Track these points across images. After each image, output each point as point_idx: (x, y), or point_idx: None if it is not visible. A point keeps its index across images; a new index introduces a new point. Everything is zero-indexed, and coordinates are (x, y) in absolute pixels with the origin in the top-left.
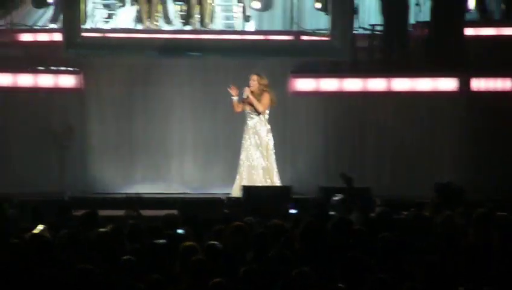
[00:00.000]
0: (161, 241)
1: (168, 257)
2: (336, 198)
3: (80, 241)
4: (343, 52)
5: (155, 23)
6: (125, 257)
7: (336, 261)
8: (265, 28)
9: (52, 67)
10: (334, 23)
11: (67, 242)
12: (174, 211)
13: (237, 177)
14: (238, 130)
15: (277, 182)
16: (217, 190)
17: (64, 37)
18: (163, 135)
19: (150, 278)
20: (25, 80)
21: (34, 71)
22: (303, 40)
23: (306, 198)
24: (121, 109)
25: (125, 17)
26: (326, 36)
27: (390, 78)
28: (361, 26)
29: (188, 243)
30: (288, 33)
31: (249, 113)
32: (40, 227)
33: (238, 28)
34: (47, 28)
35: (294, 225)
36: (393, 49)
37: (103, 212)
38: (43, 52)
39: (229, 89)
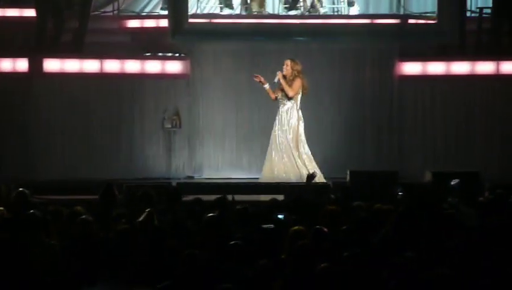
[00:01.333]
0: (269, 226)
1: (275, 241)
2: (453, 183)
3: (187, 227)
4: (451, 35)
5: (261, 9)
6: (232, 242)
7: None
8: (370, 11)
9: (159, 54)
10: (441, 5)
11: (175, 228)
12: (278, 196)
13: (265, 163)
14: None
15: (308, 167)
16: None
17: (171, 23)
18: (270, 121)
19: (258, 263)
20: (132, 66)
21: (141, 57)
22: (410, 23)
23: (414, 183)
24: (228, 94)
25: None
26: (434, 19)
27: (499, 62)
28: (469, 9)
29: (296, 228)
30: (395, 16)
31: (281, 100)
32: (147, 211)
33: (343, 12)
34: (154, 14)
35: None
36: (502, 32)
37: (210, 198)
38: (150, 38)
39: (254, 78)
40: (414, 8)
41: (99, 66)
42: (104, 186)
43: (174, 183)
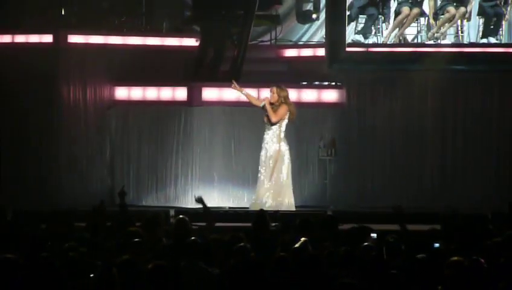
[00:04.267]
0: (421, 256)
1: (427, 272)
2: None
3: (342, 255)
4: None
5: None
6: (391, 272)
7: None
8: None
9: (316, 82)
10: None
11: (331, 256)
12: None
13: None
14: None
15: (286, 200)
16: None
17: (328, 52)
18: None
19: None
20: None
21: (298, 86)
22: None
23: None
24: (382, 124)
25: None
26: None
27: None
28: None
29: (455, 259)
30: None
31: (266, 124)
32: (302, 240)
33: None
34: (311, 43)
35: None
36: None
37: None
38: (306, 67)
39: (232, 87)
40: None
41: (257, 95)
42: (257, 214)
43: (329, 212)
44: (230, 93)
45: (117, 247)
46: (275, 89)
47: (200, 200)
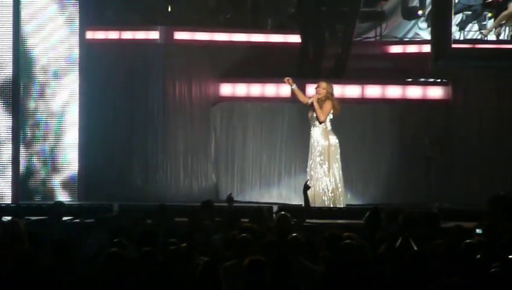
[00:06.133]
0: None
1: None
2: None
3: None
4: None
5: None
6: (493, 270)
7: None
8: None
9: (421, 79)
10: None
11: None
12: None
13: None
14: None
15: (338, 198)
16: None
17: (434, 48)
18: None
19: None
20: (393, 91)
21: (403, 83)
22: None
23: None
24: (488, 121)
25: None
26: None
27: None
28: None
29: None
30: None
31: (311, 121)
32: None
33: None
34: (416, 39)
35: None
36: None
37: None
38: (411, 63)
39: (285, 81)
40: None
41: (361, 92)
42: (371, 210)
43: (435, 209)
44: (334, 90)
45: (224, 242)
46: (324, 84)
47: (307, 188)
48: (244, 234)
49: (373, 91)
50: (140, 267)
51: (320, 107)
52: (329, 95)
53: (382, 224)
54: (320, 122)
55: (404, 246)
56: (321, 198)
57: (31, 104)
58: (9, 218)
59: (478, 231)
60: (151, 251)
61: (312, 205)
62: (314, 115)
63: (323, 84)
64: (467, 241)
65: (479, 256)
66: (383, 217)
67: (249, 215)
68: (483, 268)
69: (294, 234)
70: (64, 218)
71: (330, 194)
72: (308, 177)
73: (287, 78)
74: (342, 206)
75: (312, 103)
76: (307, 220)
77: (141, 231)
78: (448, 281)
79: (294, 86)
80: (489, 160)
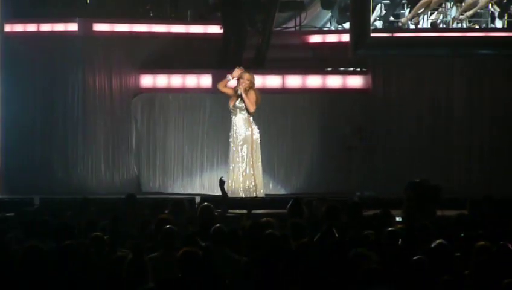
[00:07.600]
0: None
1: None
2: None
3: (369, 240)
4: None
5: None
6: (416, 257)
7: None
8: None
9: (341, 68)
10: None
11: (355, 241)
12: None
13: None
14: None
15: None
16: None
17: (353, 38)
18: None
19: (440, 278)
20: (313, 81)
21: (323, 72)
22: None
23: None
24: (409, 109)
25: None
26: None
27: None
28: None
29: (481, 243)
30: None
31: (233, 110)
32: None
33: None
34: (336, 29)
35: None
36: None
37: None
38: (331, 53)
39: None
40: None
41: (281, 82)
42: (292, 201)
43: (356, 198)
44: (256, 80)
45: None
46: (247, 75)
47: (222, 183)
48: (168, 226)
49: (293, 81)
50: (60, 261)
51: (248, 97)
52: (252, 86)
53: (304, 213)
54: (250, 113)
55: (327, 235)
56: (242, 187)
57: None
58: None
59: (398, 218)
60: (71, 244)
61: (234, 195)
62: (238, 103)
63: (247, 75)
64: (389, 229)
65: (400, 243)
66: (305, 206)
67: (168, 207)
68: (404, 256)
69: (217, 225)
70: None
71: (251, 184)
72: (231, 167)
73: (229, 74)
74: (263, 195)
75: (241, 94)
76: (230, 211)
77: (61, 223)
78: (370, 268)
79: (229, 77)
80: (411, 148)
